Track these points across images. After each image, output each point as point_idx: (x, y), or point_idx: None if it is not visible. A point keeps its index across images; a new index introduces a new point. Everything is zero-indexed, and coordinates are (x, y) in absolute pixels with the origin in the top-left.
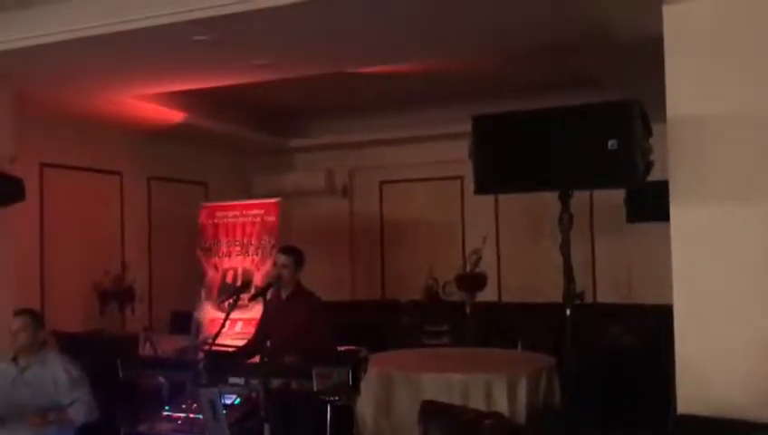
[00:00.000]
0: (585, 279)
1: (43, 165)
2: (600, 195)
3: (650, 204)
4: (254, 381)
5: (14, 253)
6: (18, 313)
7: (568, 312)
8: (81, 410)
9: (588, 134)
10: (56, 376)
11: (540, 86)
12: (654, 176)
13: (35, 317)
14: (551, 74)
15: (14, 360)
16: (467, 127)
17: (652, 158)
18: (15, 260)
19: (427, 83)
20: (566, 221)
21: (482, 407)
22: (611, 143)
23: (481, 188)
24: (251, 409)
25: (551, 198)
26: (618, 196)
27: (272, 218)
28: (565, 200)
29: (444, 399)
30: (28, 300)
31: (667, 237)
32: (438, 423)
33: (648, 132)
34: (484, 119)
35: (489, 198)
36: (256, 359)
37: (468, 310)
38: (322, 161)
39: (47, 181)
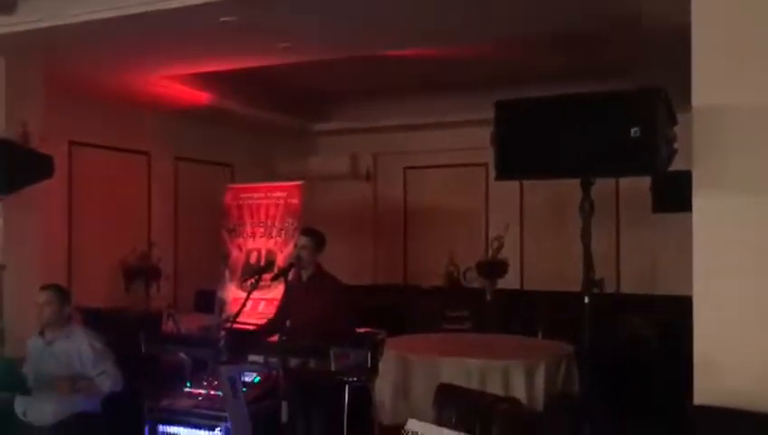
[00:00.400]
0: (609, 269)
1: (71, 143)
2: (627, 184)
3: (676, 194)
4: (273, 360)
5: (43, 229)
6: (44, 287)
7: (586, 300)
8: (106, 381)
9: (611, 121)
10: (81, 350)
11: (565, 74)
12: (681, 166)
13: (61, 292)
14: (576, 62)
15: (41, 333)
16: (492, 114)
17: (677, 146)
18: (44, 236)
19: (454, 69)
20: (587, 209)
21: (499, 393)
22: (634, 131)
23: (502, 174)
24: (270, 387)
25: (575, 186)
26: (644, 186)
27: (295, 201)
28: (587, 188)
29: (461, 383)
30: (55, 276)
31: (691, 229)
32: (454, 406)
33: (673, 120)
34: (507, 104)
35: (514, 186)
36: (275, 338)
37: (489, 296)
38: (347, 146)
39: (75, 159)
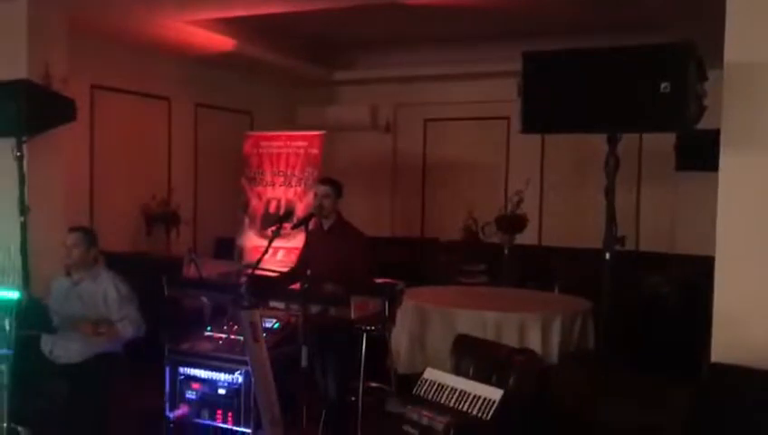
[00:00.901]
0: (628, 226)
1: (93, 87)
2: (650, 141)
3: (702, 153)
4: (294, 307)
5: (66, 173)
6: (72, 229)
7: (608, 256)
8: (129, 325)
9: (640, 76)
10: (106, 292)
11: (592, 26)
12: (708, 124)
13: (88, 235)
14: (604, 14)
15: (68, 274)
16: (516, 66)
17: (706, 103)
18: (66, 180)
19: (478, 19)
20: (612, 165)
21: (515, 345)
22: (664, 86)
23: (528, 128)
24: (289, 333)
25: (598, 142)
26: (668, 143)
27: (315, 151)
28: (613, 143)
29: (478, 335)
30: (78, 219)
31: (715, 188)
32: (470, 357)
33: (703, 76)
34: (535, 56)
35: (535, 141)
36: (296, 286)
37: (507, 251)
38: (367, 96)
39: (97, 103)
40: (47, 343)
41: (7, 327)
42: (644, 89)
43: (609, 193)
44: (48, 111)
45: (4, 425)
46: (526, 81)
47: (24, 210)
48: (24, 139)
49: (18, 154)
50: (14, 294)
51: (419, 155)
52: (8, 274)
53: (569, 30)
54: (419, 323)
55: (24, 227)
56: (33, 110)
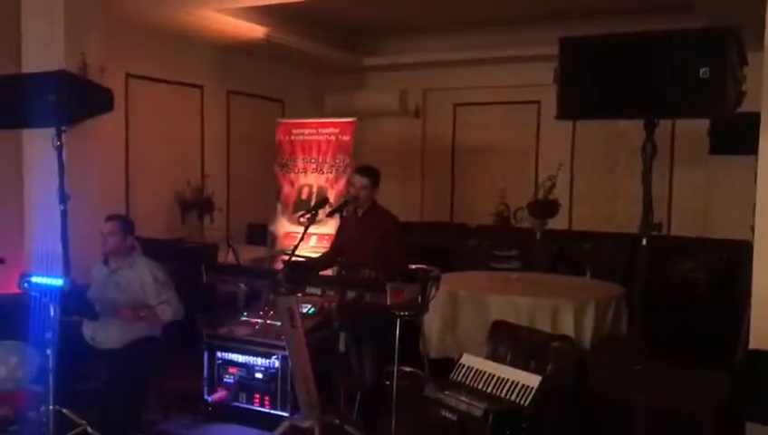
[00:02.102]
0: (660, 211)
1: (128, 75)
2: (683, 125)
3: (737, 136)
4: (330, 293)
5: (102, 161)
6: (109, 218)
7: (644, 242)
8: (167, 310)
9: (679, 61)
10: (143, 279)
11: (626, 9)
12: (744, 107)
13: (125, 223)
14: None
15: (106, 261)
16: (547, 50)
17: (744, 87)
18: (103, 168)
19: (507, 3)
20: (649, 150)
21: (547, 331)
22: (703, 71)
23: (564, 114)
24: (324, 319)
25: (630, 127)
26: (701, 126)
27: (346, 137)
28: (650, 129)
29: (510, 321)
30: (115, 206)
31: (749, 171)
32: (507, 343)
33: (743, 61)
34: (572, 41)
35: (566, 125)
36: (330, 271)
37: (539, 236)
38: (396, 81)
39: (132, 92)
40: (88, 329)
41: (51, 313)
42: (683, 74)
43: (646, 179)
44: (86, 100)
45: (50, 407)
46: (563, 66)
47: (63, 198)
48: (63, 128)
49: (58, 144)
50: (57, 281)
51: (448, 140)
52: (50, 261)
53: (600, 13)
54: (451, 308)
55: (64, 214)
56: (72, 100)
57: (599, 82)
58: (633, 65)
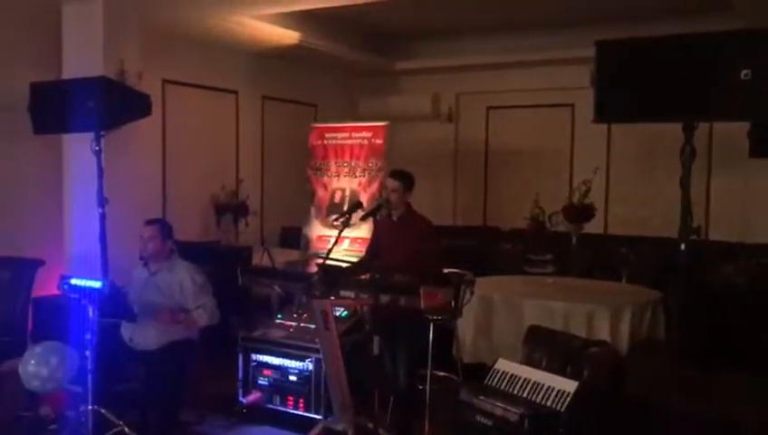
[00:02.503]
0: (698, 215)
1: (165, 81)
2: (721, 128)
3: None
4: (365, 296)
5: (140, 165)
6: (149, 222)
7: (683, 246)
8: (204, 314)
9: (720, 63)
10: (182, 282)
11: (661, 11)
12: None
13: (164, 227)
14: None
15: (146, 264)
16: (581, 52)
17: None
18: (141, 172)
19: (539, 6)
20: (688, 153)
21: (583, 336)
22: (744, 73)
23: (601, 117)
24: (357, 322)
25: (667, 130)
26: (741, 129)
27: (379, 141)
28: (690, 132)
29: (545, 325)
30: (152, 210)
31: None
32: (543, 348)
33: None
34: (609, 44)
35: (601, 128)
36: (366, 275)
37: (574, 241)
38: (429, 85)
39: (169, 98)
40: (126, 331)
41: (90, 315)
42: (723, 76)
43: (685, 182)
44: (124, 106)
45: (89, 407)
46: (600, 69)
47: (102, 202)
48: (102, 133)
49: (97, 148)
50: (96, 284)
51: (481, 143)
52: (89, 263)
53: (633, 15)
54: (485, 312)
55: (102, 217)
56: (111, 105)
57: (636, 84)
58: (672, 68)
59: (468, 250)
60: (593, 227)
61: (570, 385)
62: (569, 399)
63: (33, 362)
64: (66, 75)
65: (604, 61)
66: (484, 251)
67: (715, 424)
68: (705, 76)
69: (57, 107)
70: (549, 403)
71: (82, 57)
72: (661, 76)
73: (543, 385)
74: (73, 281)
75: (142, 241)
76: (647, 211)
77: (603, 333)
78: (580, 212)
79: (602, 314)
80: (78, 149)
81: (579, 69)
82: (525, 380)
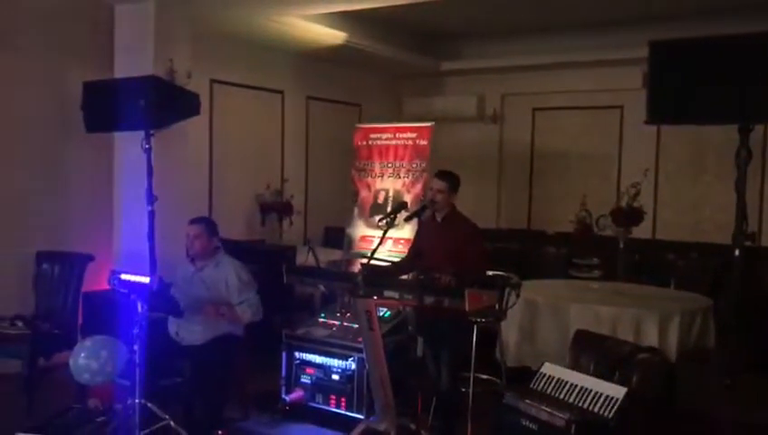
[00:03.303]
0: (752, 220)
1: (213, 81)
2: None
3: None
4: (408, 297)
5: (188, 164)
6: (194, 221)
7: (737, 252)
8: (248, 310)
9: None
10: (228, 278)
11: (710, 10)
12: None
13: (210, 225)
14: None
15: (192, 260)
16: (630, 53)
17: None
18: (189, 171)
19: (588, 6)
20: (744, 156)
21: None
22: None
23: (654, 119)
24: (400, 323)
25: (718, 132)
26: None
27: (424, 142)
28: (745, 134)
29: (591, 330)
30: (199, 208)
31: None
32: (591, 353)
33: None
34: (662, 45)
35: (650, 130)
36: (408, 276)
37: (621, 245)
38: (474, 86)
39: (216, 97)
40: (173, 326)
41: (139, 310)
42: None
43: (740, 186)
44: (174, 105)
45: (137, 401)
46: (653, 70)
47: (151, 199)
48: (151, 132)
49: (147, 146)
50: (145, 279)
51: (527, 145)
52: (138, 259)
53: (682, 15)
54: (529, 316)
55: (151, 215)
56: (161, 104)
57: (690, 86)
58: (727, 68)
59: (512, 253)
60: (641, 231)
61: (618, 391)
62: (617, 405)
63: (83, 355)
64: (118, 74)
65: (657, 61)
66: (528, 254)
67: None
68: (761, 77)
69: (109, 106)
70: (596, 409)
71: (133, 56)
72: (716, 77)
73: (591, 390)
74: (123, 276)
75: (188, 239)
76: (696, 216)
77: (651, 340)
78: (629, 215)
79: (651, 320)
80: (128, 147)
81: (628, 70)
82: (572, 384)
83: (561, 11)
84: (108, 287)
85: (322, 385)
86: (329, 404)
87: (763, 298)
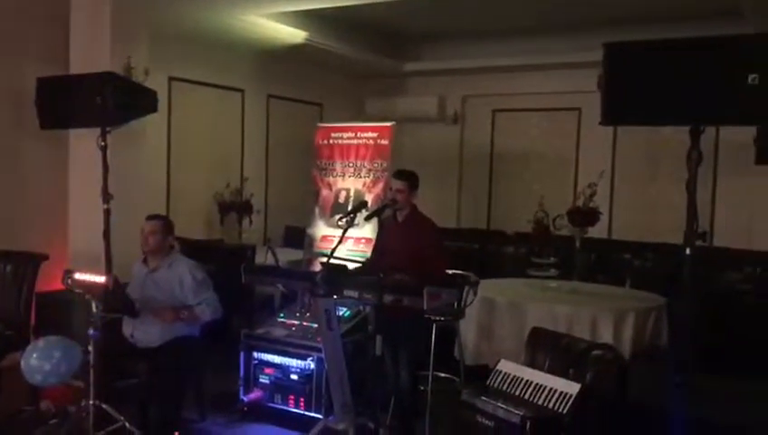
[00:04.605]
0: (703, 222)
1: (171, 79)
2: (727, 134)
3: None
4: (368, 296)
5: (145, 162)
6: (150, 217)
7: (688, 251)
8: (207, 309)
9: (727, 67)
10: (182, 278)
11: (670, 17)
12: None
13: (165, 223)
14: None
15: (145, 260)
16: (588, 56)
17: None
18: (146, 169)
19: (548, 10)
20: (695, 158)
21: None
22: (752, 78)
23: (609, 120)
24: (359, 323)
25: (672, 135)
26: (747, 136)
27: (385, 142)
28: (696, 136)
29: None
30: (156, 207)
31: None
32: (546, 350)
33: None
34: (617, 47)
35: (607, 133)
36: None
37: (578, 245)
38: (435, 87)
39: (175, 95)
40: (128, 327)
41: (94, 310)
42: (730, 81)
43: (691, 186)
44: (131, 102)
45: (91, 402)
46: (607, 72)
47: (107, 198)
48: (108, 129)
49: (102, 144)
50: (100, 279)
51: (487, 146)
52: (93, 259)
53: (642, 20)
54: (488, 315)
55: (107, 213)
56: (117, 101)
57: (644, 87)
58: (680, 71)
59: (472, 253)
60: (598, 231)
61: (572, 387)
62: (571, 401)
63: (35, 355)
64: (73, 70)
65: (612, 62)
66: (488, 254)
67: (719, 431)
68: (712, 80)
69: (63, 102)
70: (551, 405)
71: (90, 53)
72: (669, 79)
73: (546, 387)
74: (77, 276)
75: (143, 236)
76: (651, 216)
77: (606, 338)
78: (585, 215)
79: (606, 319)
80: (84, 144)
81: (586, 73)
82: (528, 381)
83: (520, 15)
84: (62, 287)
85: (281, 385)
86: (288, 404)
87: (715, 296)
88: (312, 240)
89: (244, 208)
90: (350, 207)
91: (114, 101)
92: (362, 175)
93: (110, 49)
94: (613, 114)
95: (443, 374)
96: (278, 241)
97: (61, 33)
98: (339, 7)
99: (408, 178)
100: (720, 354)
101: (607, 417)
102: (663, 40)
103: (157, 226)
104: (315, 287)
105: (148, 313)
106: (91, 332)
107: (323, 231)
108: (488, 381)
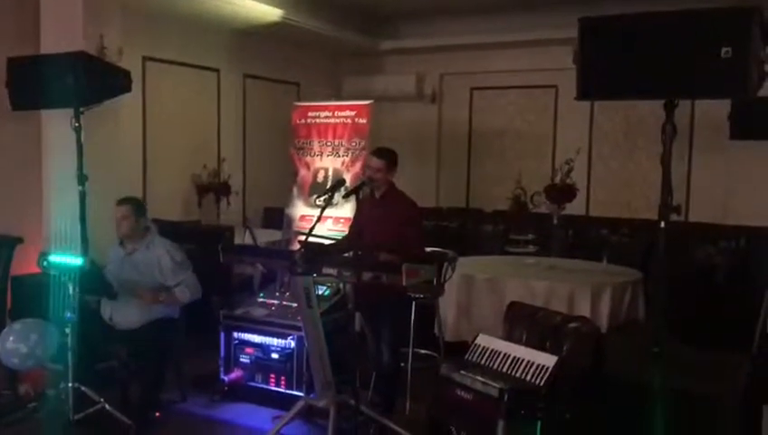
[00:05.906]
0: (678, 196)
1: (145, 59)
2: (702, 110)
3: (759, 121)
4: (347, 273)
5: (120, 143)
6: (120, 202)
7: (662, 224)
8: (185, 291)
9: (700, 40)
10: (160, 260)
11: None
12: (766, 92)
13: (137, 205)
14: None
15: (122, 243)
16: (565, 33)
17: (767, 68)
18: (121, 150)
19: None
20: (669, 131)
21: None
22: (725, 51)
23: (584, 95)
24: (339, 301)
25: (648, 112)
26: (722, 111)
27: (363, 121)
28: (670, 110)
29: None
30: (132, 189)
31: None
32: (523, 323)
33: (766, 42)
34: (592, 21)
35: (584, 110)
36: (349, 253)
37: (555, 221)
38: (413, 65)
39: (149, 75)
40: (106, 310)
41: (71, 292)
42: (704, 54)
43: (666, 160)
44: (104, 81)
45: (69, 385)
46: (582, 46)
47: (82, 179)
48: (81, 110)
49: (76, 125)
50: (76, 261)
51: (465, 124)
52: (69, 241)
53: None
54: (467, 292)
55: (82, 195)
56: (90, 81)
57: (619, 62)
58: (653, 45)
59: (451, 231)
60: (575, 208)
61: (549, 360)
62: (548, 373)
63: (11, 338)
64: (45, 50)
65: (586, 37)
66: (466, 232)
67: (692, 400)
68: (685, 53)
69: (35, 82)
70: (528, 378)
71: (61, 32)
72: (643, 53)
73: (523, 360)
74: (53, 258)
75: (116, 221)
76: (628, 193)
77: (584, 313)
78: (562, 192)
79: (583, 294)
80: (57, 125)
81: (562, 50)
82: (505, 355)
83: None
84: (38, 270)
85: (262, 364)
86: (268, 383)
87: (693, 270)
88: (290, 220)
89: (222, 190)
90: (328, 187)
91: (87, 81)
92: (340, 154)
93: (83, 28)
94: (588, 89)
95: (423, 351)
96: (257, 222)
97: (31, 11)
98: None
99: (386, 157)
100: (695, 326)
101: (583, 388)
102: (636, 14)
103: (128, 210)
104: (294, 266)
105: (127, 294)
106: (68, 315)
107: (302, 211)
108: (467, 356)
